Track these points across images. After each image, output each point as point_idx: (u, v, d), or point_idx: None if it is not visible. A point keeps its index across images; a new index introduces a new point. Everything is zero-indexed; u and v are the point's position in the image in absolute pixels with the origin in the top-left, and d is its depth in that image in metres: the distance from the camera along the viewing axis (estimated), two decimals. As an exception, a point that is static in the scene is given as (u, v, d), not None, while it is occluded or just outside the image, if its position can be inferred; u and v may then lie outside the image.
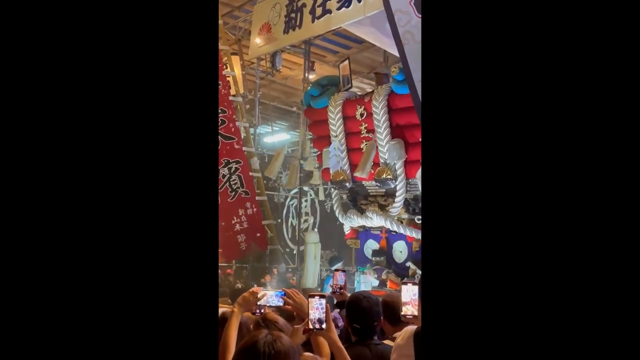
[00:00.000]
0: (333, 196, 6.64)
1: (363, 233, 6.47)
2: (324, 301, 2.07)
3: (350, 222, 6.41)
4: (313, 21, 6.94)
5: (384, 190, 6.00)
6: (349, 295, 2.97)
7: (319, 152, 6.70)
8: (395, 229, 5.86)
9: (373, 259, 6.15)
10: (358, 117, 6.10)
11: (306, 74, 8.05)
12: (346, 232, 6.64)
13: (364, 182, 6.18)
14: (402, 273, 5.83)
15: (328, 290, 5.75)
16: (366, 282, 5.91)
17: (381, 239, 6.22)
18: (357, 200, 6.44)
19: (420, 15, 4.02)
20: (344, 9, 6.49)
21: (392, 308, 2.59)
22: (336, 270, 3.30)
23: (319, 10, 6.85)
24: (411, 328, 2.07)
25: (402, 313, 2.19)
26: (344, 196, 6.53)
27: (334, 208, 6.62)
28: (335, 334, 2.13)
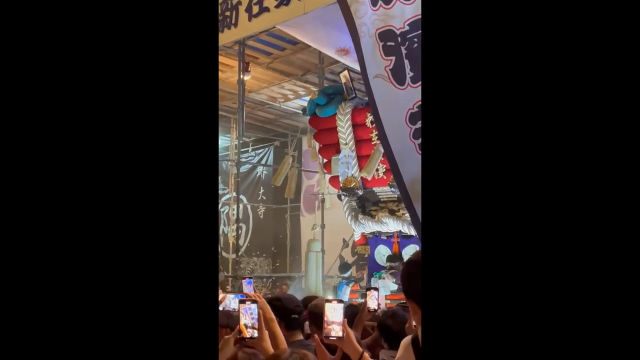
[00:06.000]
0: (343, 203, 6.51)
1: (373, 239, 6.36)
2: (255, 307, 1.93)
3: (363, 228, 6.31)
4: (250, 19, 6.66)
5: (397, 195, 5.87)
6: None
7: (325, 161, 6.60)
8: (412, 233, 5.78)
9: (388, 264, 6.08)
10: (368, 124, 5.99)
11: (241, 76, 7.77)
12: (355, 239, 6.54)
13: (374, 188, 6.11)
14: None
15: (344, 298, 5.67)
16: (385, 286, 5.74)
17: (393, 244, 6.14)
18: (366, 206, 6.36)
19: (375, 9, 3.88)
20: (282, 6, 6.28)
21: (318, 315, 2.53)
22: (242, 278, 3.17)
23: (255, 8, 6.58)
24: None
25: (325, 334, 1.92)
26: (354, 202, 6.43)
27: (345, 215, 6.51)
28: (268, 342, 1.97)
